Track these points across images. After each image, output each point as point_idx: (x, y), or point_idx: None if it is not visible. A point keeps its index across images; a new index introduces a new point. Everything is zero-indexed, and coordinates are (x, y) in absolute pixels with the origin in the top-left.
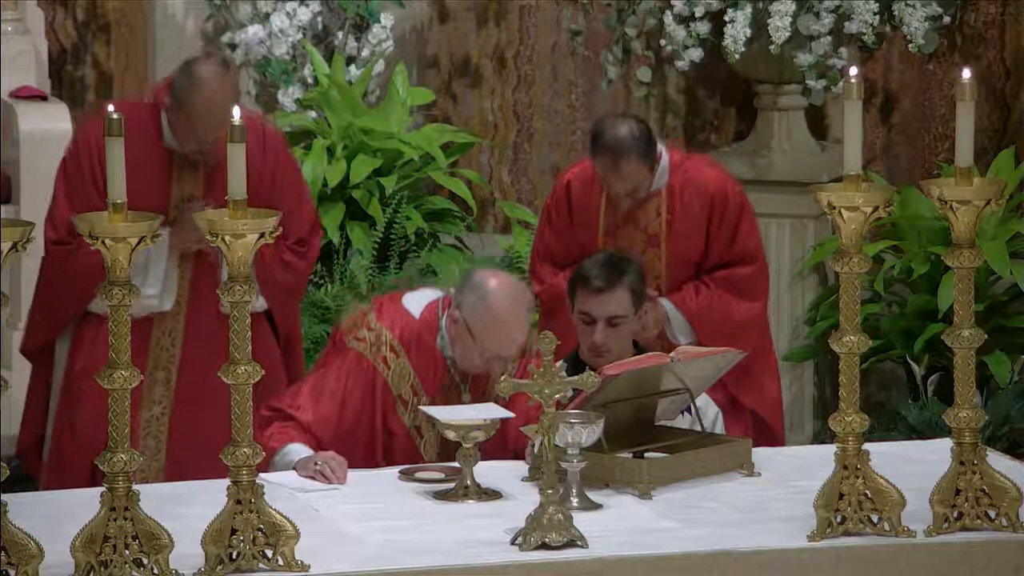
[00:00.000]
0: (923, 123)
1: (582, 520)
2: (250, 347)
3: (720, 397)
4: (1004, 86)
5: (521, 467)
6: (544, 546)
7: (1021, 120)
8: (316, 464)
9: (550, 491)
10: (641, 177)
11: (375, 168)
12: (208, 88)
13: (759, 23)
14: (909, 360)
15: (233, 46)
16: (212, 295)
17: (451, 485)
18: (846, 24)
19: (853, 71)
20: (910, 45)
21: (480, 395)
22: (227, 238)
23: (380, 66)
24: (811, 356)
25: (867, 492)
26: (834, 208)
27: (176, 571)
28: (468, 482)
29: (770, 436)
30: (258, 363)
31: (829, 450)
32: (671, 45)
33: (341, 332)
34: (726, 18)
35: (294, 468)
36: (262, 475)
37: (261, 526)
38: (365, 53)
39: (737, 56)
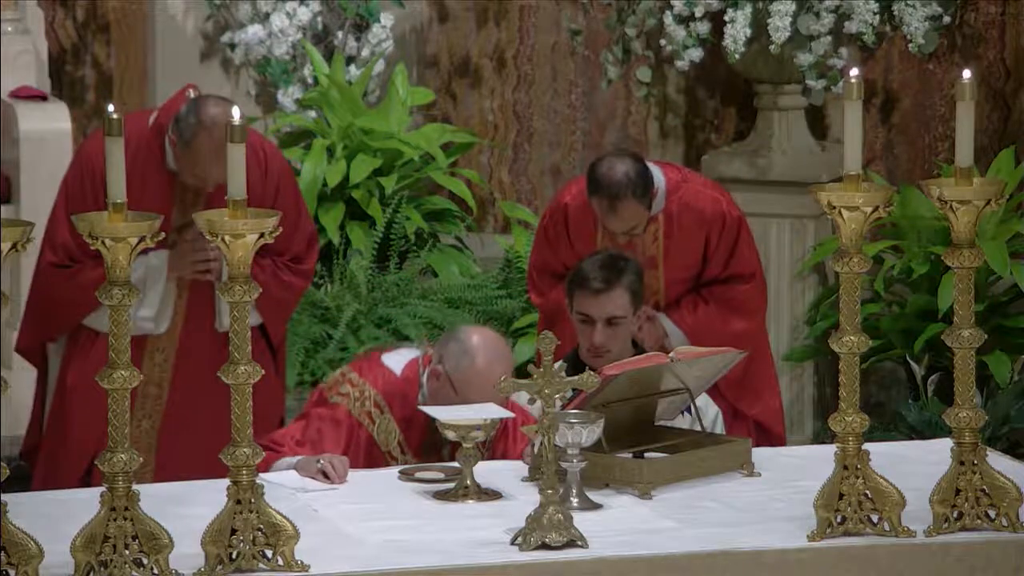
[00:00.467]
0: (923, 123)
1: (582, 520)
2: (250, 347)
3: (722, 408)
4: (1004, 86)
5: (521, 467)
6: (544, 546)
7: (1021, 120)
8: (318, 463)
9: (550, 491)
10: (639, 217)
11: (375, 168)
12: (216, 133)
13: (759, 23)
14: (909, 360)
15: (233, 46)
16: (207, 316)
17: (451, 485)
18: (846, 24)
19: (853, 71)
20: (910, 45)
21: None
22: (227, 238)
23: (380, 66)
24: (811, 356)
25: (867, 492)
26: (834, 208)
27: (176, 571)
28: (468, 482)
29: (772, 441)
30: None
31: (829, 450)
32: (671, 45)
33: (322, 390)
34: (726, 18)
35: (295, 468)
36: (262, 475)
37: (261, 526)
38: (365, 53)
39: (737, 56)
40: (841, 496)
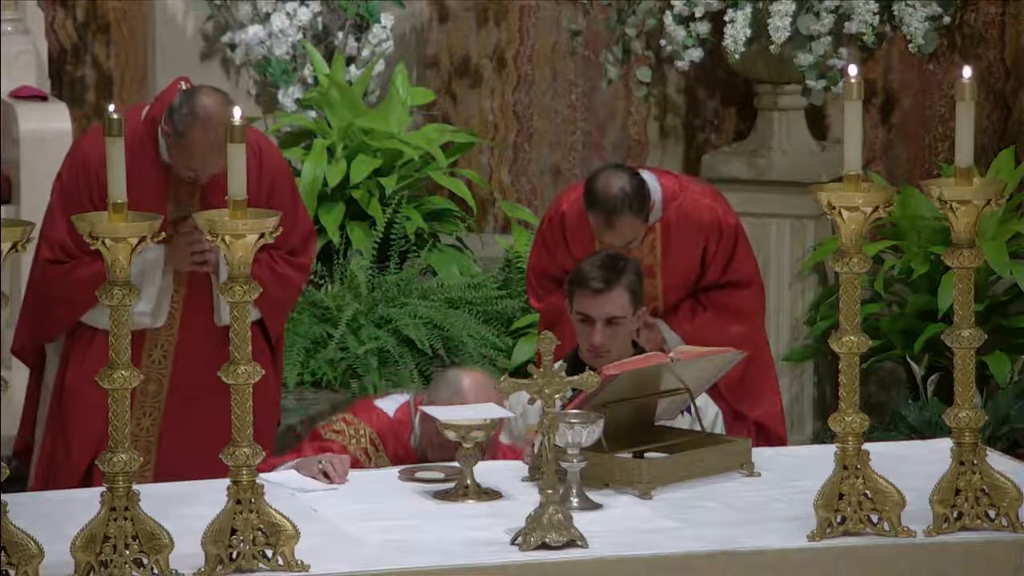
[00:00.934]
0: (923, 123)
1: (582, 520)
2: (250, 347)
3: (722, 408)
4: (1004, 86)
5: (521, 467)
6: (544, 546)
7: (1021, 120)
8: (319, 463)
9: (550, 491)
10: (636, 231)
11: (375, 168)
12: (210, 125)
13: (759, 23)
14: (909, 360)
15: (233, 46)
16: (206, 311)
17: (451, 485)
18: (846, 24)
19: (853, 71)
20: (910, 45)
21: None
22: (227, 238)
23: (380, 66)
24: (811, 356)
25: (867, 492)
26: (834, 208)
27: (176, 571)
28: (468, 482)
29: (773, 443)
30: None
31: (829, 450)
32: (671, 45)
33: (316, 429)
34: (726, 18)
35: (295, 468)
36: (262, 475)
37: (261, 526)
38: (365, 53)
39: (737, 56)
40: (841, 496)
